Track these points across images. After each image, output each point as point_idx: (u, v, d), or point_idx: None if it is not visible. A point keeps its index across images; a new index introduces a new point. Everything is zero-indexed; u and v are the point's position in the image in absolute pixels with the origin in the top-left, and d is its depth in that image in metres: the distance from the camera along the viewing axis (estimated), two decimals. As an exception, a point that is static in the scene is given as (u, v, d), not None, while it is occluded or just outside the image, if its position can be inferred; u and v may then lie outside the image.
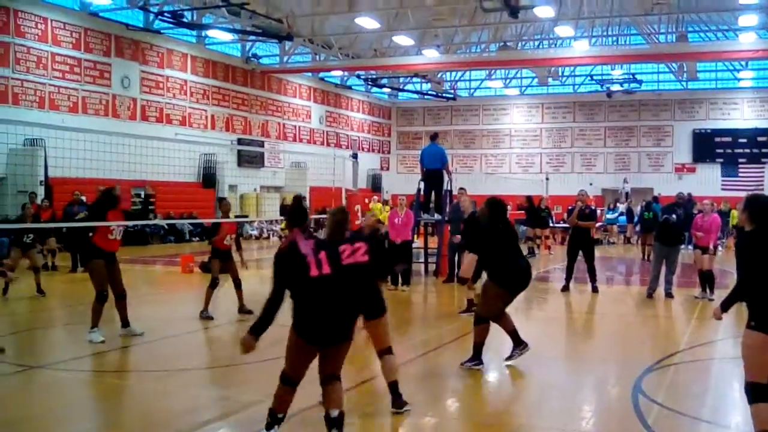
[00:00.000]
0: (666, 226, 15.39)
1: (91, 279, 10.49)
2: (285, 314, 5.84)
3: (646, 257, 23.65)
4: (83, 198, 19.81)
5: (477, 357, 8.90)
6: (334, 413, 5.90)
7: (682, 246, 16.33)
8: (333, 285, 5.81)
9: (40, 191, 23.29)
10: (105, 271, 10.42)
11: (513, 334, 9.10)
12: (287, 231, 6.25)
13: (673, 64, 40.57)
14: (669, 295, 15.14)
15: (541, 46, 38.31)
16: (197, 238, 31.22)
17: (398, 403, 7.16)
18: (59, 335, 11.81)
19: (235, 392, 8.04)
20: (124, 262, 12.81)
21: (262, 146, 37.32)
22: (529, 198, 26.42)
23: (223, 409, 7.41)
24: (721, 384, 8.71)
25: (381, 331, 7.27)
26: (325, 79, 42.79)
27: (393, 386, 7.21)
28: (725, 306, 6.19)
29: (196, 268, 19.29)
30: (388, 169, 49.56)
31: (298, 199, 6.69)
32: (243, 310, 12.63)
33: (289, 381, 6.05)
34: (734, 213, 27.23)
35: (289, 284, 5.85)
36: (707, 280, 15.02)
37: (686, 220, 16.73)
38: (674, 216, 15.43)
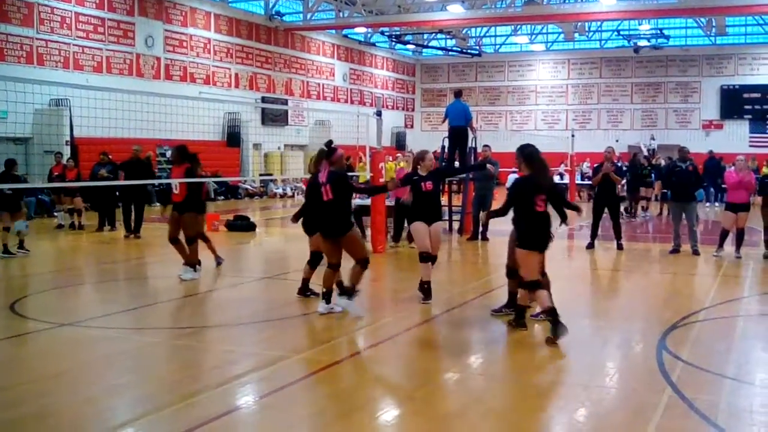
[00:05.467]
0: (680, 178, 15.24)
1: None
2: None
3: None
4: (110, 157, 19.90)
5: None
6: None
7: (707, 204, 16.21)
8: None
9: (66, 151, 23.43)
10: None
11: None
12: None
13: (702, 19, 40.01)
14: (695, 252, 15.07)
15: (567, 1, 37.89)
16: (222, 197, 31.43)
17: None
18: (87, 293, 11.95)
19: (264, 347, 8.13)
20: (152, 221, 12.97)
21: (286, 104, 37.26)
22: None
23: (253, 364, 7.48)
24: (745, 341, 8.69)
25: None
26: (349, 36, 42.54)
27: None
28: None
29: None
30: (412, 126, 49.38)
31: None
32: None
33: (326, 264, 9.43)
34: (765, 170, 26.93)
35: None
36: (738, 237, 14.88)
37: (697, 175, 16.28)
38: (684, 165, 15.32)
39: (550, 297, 8.29)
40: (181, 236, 12.12)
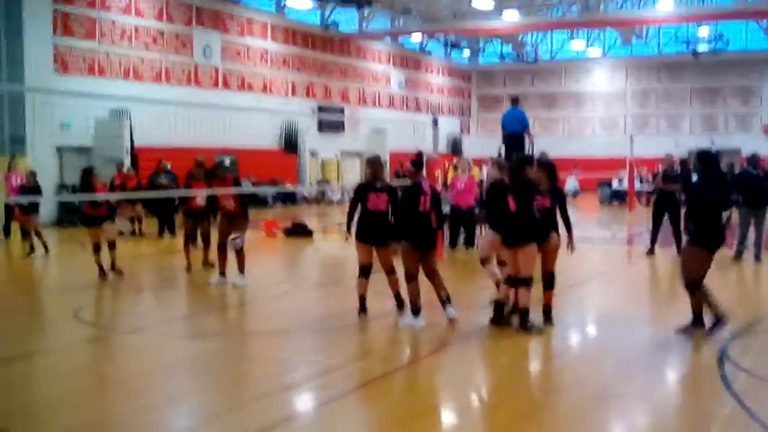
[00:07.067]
0: (752, 184, 15.03)
1: None
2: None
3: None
4: (168, 166, 20.17)
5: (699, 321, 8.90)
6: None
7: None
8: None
9: (127, 160, 23.81)
10: None
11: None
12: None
13: (763, 22, 39.30)
14: (758, 258, 14.80)
15: (624, 6, 37.49)
16: (280, 204, 31.67)
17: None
18: (147, 300, 12.12)
19: (323, 356, 8.16)
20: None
21: (342, 112, 37.40)
22: None
23: (311, 372, 7.50)
24: (811, 350, 8.51)
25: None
26: (404, 44, 42.62)
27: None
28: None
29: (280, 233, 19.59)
30: (468, 132, 49.24)
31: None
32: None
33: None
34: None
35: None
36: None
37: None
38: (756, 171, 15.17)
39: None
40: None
